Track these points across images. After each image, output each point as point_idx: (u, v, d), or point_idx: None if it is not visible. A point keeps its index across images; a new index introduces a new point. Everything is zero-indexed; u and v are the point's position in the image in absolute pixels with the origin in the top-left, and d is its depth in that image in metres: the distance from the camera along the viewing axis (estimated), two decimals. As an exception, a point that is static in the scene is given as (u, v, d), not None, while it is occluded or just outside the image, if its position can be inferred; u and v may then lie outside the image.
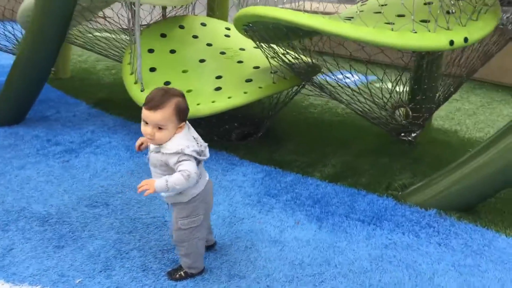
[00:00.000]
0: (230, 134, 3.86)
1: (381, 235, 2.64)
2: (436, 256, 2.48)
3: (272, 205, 2.95)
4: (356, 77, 3.43)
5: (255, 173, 3.36)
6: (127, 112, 4.51)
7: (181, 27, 4.28)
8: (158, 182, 2.01)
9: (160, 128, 2.02)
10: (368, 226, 2.72)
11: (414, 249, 2.53)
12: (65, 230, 2.73)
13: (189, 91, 3.57)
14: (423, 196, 2.86)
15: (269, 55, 3.47)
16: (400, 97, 3.67)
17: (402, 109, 3.77)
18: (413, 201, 2.88)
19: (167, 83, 3.67)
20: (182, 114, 2.05)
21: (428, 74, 3.47)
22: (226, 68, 3.77)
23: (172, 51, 3.98)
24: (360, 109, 3.57)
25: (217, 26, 4.45)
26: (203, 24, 4.40)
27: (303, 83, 3.60)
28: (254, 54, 4.03)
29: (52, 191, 3.16)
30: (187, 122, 2.14)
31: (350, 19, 2.82)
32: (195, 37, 4.21)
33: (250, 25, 2.96)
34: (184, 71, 3.79)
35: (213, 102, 3.37)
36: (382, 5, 3.04)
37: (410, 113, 3.58)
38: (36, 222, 2.82)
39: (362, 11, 3.09)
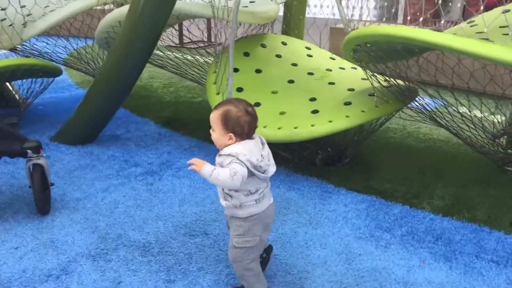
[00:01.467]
0: (313, 158, 3.64)
1: (523, 279, 2.37)
2: None
3: (388, 240, 2.71)
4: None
5: (356, 202, 3.12)
6: (199, 133, 4.34)
7: (263, 45, 4.11)
8: (206, 166, 2.00)
9: (213, 130, 2.09)
10: (505, 268, 2.45)
11: None
12: (170, 262, 2.52)
13: (282, 113, 3.37)
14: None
15: (374, 78, 3.27)
16: (503, 126, 3.43)
17: (504, 138, 3.53)
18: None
19: (257, 104, 3.49)
20: (228, 123, 2.03)
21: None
22: (318, 90, 3.57)
23: (258, 71, 3.80)
24: (465, 136, 3.34)
25: (297, 45, 4.27)
26: (284, 43, 4.23)
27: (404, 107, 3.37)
28: (344, 76, 3.84)
29: (144, 217, 2.97)
30: (260, 138, 2.13)
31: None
32: (278, 56, 4.03)
33: (368, 45, 2.76)
34: (273, 92, 3.60)
35: (312, 125, 3.16)
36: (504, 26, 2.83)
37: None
38: (137, 251, 2.62)
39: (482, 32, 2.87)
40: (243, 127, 2.04)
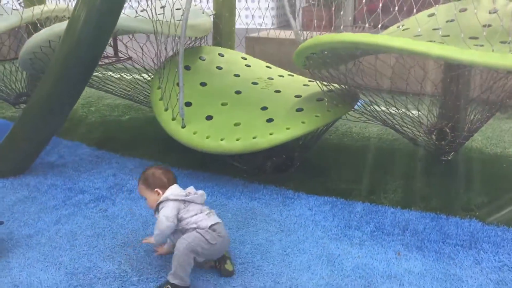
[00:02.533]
0: (264, 166, 3.67)
1: (489, 259, 2.58)
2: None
3: (360, 238, 2.81)
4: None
5: (319, 205, 3.20)
6: (140, 152, 4.18)
7: (202, 58, 4.07)
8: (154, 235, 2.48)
9: (145, 199, 2.60)
10: (470, 250, 2.66)
11: (525, 268, 2.50)
12: (155, 289, 2.41)
13: (237, 124, 3.37)
14: (508, 214, 2.87)
15: (321, 83, 3.39)
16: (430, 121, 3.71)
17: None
18: (498, 220, 2.87)
19: (209, 117, 3.45)
20: (148, 183, 2.55)
21: (455, 100, 3.55)
22: (267, 99, 3.61)
23: (203, 84, 3.76)
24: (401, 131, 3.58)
25: (234, 56, 4.29)
26: (221, 55, 4.23)
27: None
28: (285, 83, 3.92)
29: (110, 245, 2.80)
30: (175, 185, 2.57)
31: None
32: (219, 68, 4.02)
33: (325, 52, 2.86)
34: (223, 104, 3.58)
35: (271, 134, 3.19)
36: (436, 29, 3.07)
37: (449, 134, 3.63)
38: (115, 283, 2.46)
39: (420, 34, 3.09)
40: (161, 179, 2.54)
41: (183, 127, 3.36)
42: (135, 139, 4.55)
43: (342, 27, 3.06)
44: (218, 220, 2.53)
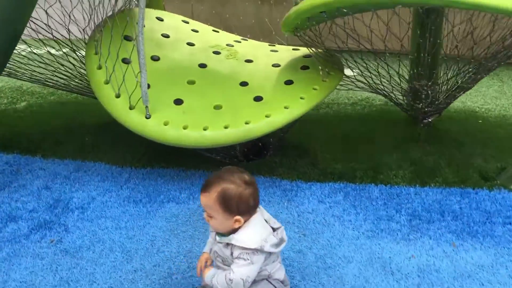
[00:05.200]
0: (237, 153, 3.05)
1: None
2: None
3: (400, 231, 2.38)
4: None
5: (327, 195, 2.69)
6: (68, 151, 3.26)
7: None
8: (208, 273, 1.80)
9: (210, 216, 1.75)
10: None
11: None
12: None
13: (217, 107, 2.67)
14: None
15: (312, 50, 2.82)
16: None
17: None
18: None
19: (178, 101, 2.69)
20: (229, 205, 1.70)
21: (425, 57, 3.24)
22: (242, 71, 2.93)
23: (155, 58, 2.94)
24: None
25: (175, 21, 3.48)
26: (160, 19, 3.39)
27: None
28: (250, 50, 3.26)
29: (96, 297, 2.02)
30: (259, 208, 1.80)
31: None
32: (165, 36, 3.20)
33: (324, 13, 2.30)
34: (190, 82, 2.82)
35: (267, 116, 2.57)
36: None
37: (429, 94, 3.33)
38: None
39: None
40: (248, 203, 1.72)
41: (148, 117, 2.57)
42: (50, 132, 3.56)
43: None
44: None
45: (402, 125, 3.60)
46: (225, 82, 2.84)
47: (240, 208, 1.71)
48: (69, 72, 3.44)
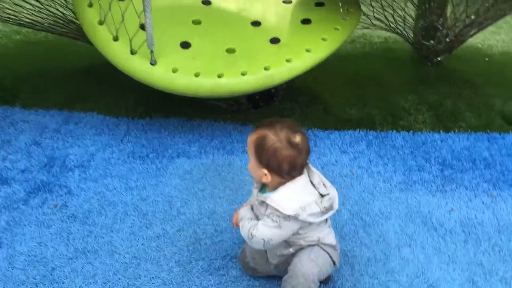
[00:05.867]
0: (244, 101, 2.80)
1: None
2: None
3: (434, 182, 2.26)
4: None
5: (349, 144, 2.52)
6: (54, 99, 2.91)
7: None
8: (242, 211, 1.69)
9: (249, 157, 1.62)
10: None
11: None
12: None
13: (230, 50, 2.39)
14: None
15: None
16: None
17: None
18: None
19: (184, 44, 2.39)
20: (261, 153, 1.54)
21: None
22: (250, 8, 2.62)
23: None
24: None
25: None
26: None
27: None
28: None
29: (122, 268, 1.81)
30: (305, 174, 1.60)
31: None
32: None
33: None
34: (195, 22, 2.50)
35: (288, 61, 2.32)
36: None
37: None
38: None
39: None
40: (280, 165, 1.53)
41: (153, 63, 2.27)
42: (25, 78, 3.16)
43: None
44: None
45: (409, 64, 3.41)
46: (234, 21, 2.53)
47: (271, 163, 1.54)
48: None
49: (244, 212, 1.67)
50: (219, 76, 2.26)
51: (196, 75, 2.26)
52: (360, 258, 1.88)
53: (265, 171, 1.55)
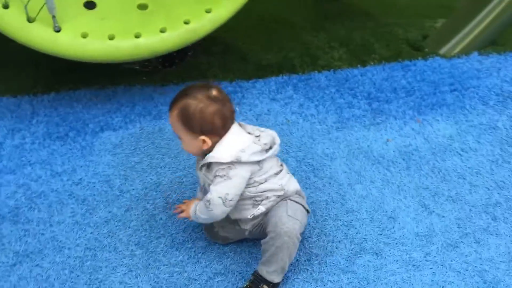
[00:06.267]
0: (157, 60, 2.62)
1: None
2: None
3: (365, 116, 2.32)
4: None
5: (278, 91, 2.47)
6: None
7: None
8: (192, 208, 1.61)
9: (180, 138, 1.58)
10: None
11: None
12: None
13: (142, 6, 2.18)
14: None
15: None
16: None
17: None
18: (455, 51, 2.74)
19: (89, 4, 2.12)
20: (191, 123, 1.51)
21: None
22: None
23: None
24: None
25: None
26: None
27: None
28: None
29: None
30: (235, 124, 1.57)
31: None
32: None
33: None
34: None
35: (208, 12, 2.17)
36: None
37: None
38: None
39: None
40: (213, 122, 1.50)
41: (57, 30, 1.99)
42: None
43: None
44: None
45: (309, 2, 3.40)
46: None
47: (204, 127, 1.51)
48: None
49: (193, 207, 1.60)
50: (136, 36, 2.06)
51: (110, 38, 2.04)
52: (318, 203, 1.90)
53: (202, 137, 1.51)
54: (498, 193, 1.94)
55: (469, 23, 2.78)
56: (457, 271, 1.65)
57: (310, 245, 1.74)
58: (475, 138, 2.21)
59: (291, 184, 1.64)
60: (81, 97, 2.40)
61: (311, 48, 2.82)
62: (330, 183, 1.98)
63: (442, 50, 2.77)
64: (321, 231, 1.79)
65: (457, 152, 2.13)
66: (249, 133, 1.58)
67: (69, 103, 2.36)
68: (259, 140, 1.55)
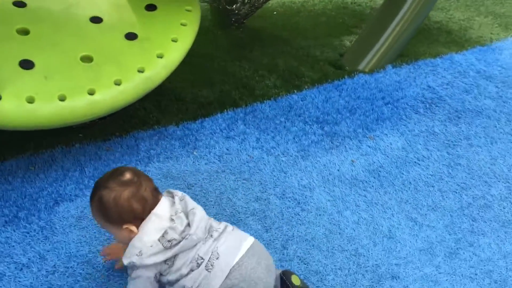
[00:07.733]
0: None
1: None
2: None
3: (323, 140, 2.37)
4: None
5: (230, 128, 2.40)
6: None
7: None
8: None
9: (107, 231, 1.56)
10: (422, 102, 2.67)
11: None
12: None
13: (86, 59, 1.95)
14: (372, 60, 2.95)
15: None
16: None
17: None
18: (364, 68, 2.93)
19: (25, 63, 1.84)
20: (110, 215, 1.43)
21: None
22: (81, 2, 2.15)
23: None
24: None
25: None
26: None
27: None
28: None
29: None
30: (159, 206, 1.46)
31: None
32: None
33: None
34: (21, 32, 1.93)
35: (159, 56, 2.03)
36: None
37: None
38: None
39: None
40: (132, 209, 1.41)
41: (-3, 98, 1.70)
42: None
43: None
44: (245, 241, 1.49)
45: (218, 32, 3.37)
46: (69, 22, 2.05)
47: (123, 215, 1.42)
48: None
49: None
50: (90, 93, 1.85)
51: (61, 98, 1.80)
52: (319, 237, 1.89)
53: (125, 226, 1.43)
54: (465, 195, 2.12)
55: (378, 40, 3.00)
56: (469, 277, 1.76)
57: (331, 283, 1.72)
58: (423, 146, 2.39)
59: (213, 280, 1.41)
60: (14, 168, 2.06)
61: (242, 79, 2.80)
62: (320, 215, 1.98)
63: (361, 66, 2.95)
64: (334, 266, 1.78)
65: (415, 162, 2.29)
66: (171, 215, 1.45)
67: (2, 178, 2.02)
68: (164, 236, 1.41)
